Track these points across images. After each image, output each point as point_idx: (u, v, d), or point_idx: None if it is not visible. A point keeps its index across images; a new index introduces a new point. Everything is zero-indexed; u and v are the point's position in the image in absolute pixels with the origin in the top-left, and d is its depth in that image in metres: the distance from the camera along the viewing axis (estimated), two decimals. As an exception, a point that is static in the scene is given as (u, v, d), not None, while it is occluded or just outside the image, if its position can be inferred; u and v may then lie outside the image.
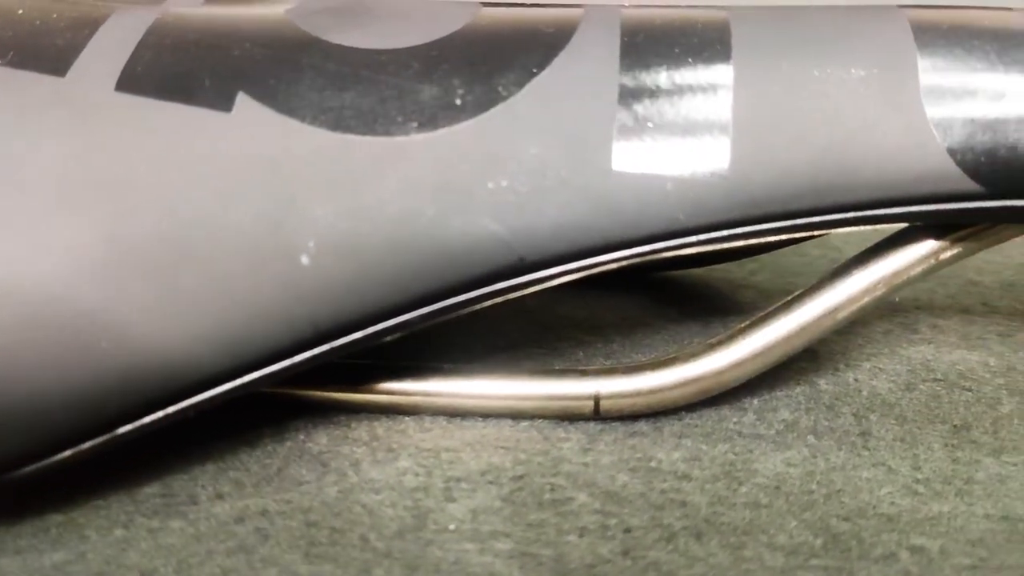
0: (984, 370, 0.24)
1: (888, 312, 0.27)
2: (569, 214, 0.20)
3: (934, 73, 0.20)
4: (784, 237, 0.20)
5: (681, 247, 0.20)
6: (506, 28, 0.21)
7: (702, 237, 0.20)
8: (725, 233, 0.20)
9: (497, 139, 0.20)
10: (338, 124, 0.20)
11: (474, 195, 0.20)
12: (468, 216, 0.20)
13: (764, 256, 0.29)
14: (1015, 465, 0.21)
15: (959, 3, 0.22)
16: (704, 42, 0.21)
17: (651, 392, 0.22)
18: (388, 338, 0.20)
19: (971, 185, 0.20)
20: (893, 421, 0.22)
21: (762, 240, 0.20)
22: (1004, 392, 0.23)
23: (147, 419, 0.19)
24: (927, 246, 0.21)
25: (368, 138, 0.20)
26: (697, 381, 0.22)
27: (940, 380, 0.24)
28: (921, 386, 0.24)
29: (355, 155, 0.20)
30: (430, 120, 0.20)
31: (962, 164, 0.19)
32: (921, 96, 0.20)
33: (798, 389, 0.23)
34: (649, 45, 0.21)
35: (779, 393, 0.23)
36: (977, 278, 0.29)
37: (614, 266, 0.20)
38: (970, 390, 0.23)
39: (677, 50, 0.21)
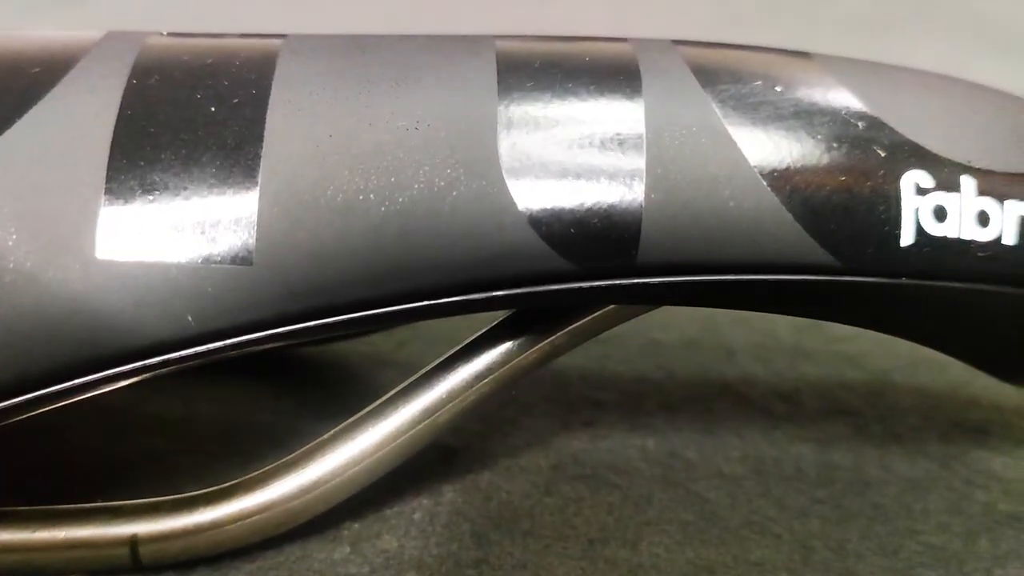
0: (641, 458, 0.21)
1: (551, 386, 0.23)
2: (36, 320, 0.15)
3: (519, 125, 0.16)
4: (341, 333, 0.16)
5: (194, 359, 0.15)
6: (-21, 67, 0.16)
7: (224, 343, 0.15)
8: (255, 336, 0.15)
9: (-68, 223, 0.15)
10: None
11: (-102, 301, 0.14)
12: None
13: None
14: (647, 592, 0.17)
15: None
16: (237, 83, 0.16)
17: (206, 530, 0.17)
18: None
19: (560, 262, 0.16)
20: (518, 540, 0.18)
21: (317, 337, 0.16)
22: (657, 486, 0.20)
23: None
24: (539, 333, 0.18)
25: None
26: (264, 513, 0.17)
27: (588, 476, 0.20)
28: (563, 487, 0.20)
29: None
30: None
31: (548, 238, 0.16)
32: (500, 154, 0.16)
33: (415, 503, 0.19)
34: (162, 89, 0.16)
35: (389, 511, 0.19)
36: (659, 336, 0.26)
37: (106, 389, 0.15)
38: (619, 487, 0.20)
39: (200, 95, 0.16)
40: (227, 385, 0.22)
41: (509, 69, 0.17)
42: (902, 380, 0.24)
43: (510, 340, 0.18)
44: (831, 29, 0.53)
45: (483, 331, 0.18)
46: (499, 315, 0.18)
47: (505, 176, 0.16)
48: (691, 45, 0.18)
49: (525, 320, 0.18)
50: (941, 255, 0.16)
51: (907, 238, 0.16)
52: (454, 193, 0.15)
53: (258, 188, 0.15)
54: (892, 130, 0.16)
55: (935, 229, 0.16)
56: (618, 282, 0.16)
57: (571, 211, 0.16)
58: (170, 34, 0.18)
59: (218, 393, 0.22)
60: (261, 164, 0.15)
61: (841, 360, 0.25)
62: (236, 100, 0.16)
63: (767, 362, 0.25)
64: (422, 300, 0.16)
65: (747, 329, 0.26)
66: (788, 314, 0.17)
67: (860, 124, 0.16)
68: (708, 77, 0.17)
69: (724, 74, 0.17)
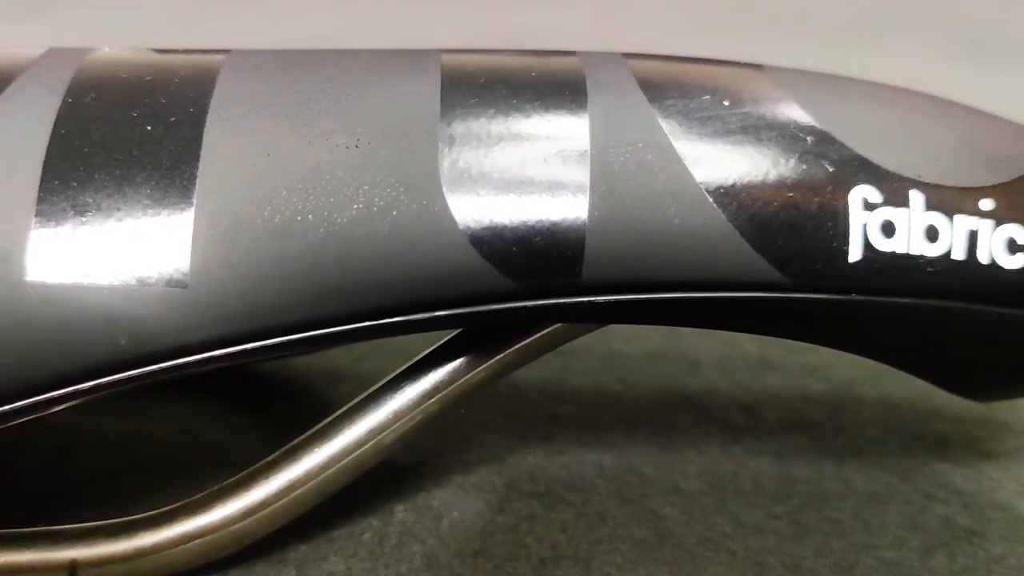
0: (597, 474, 0.21)
1: (509, 400, 0.23)
2: (-33, 346, 0.15)
3: (460, 143, 0.16)
4: (282, 354, 0.16)
5: (129, 382, 0.15)
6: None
7: (159, 367, 0.15)
8: (192, 359, 0.15)
9: None
10: None
11: None
12: None
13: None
14: (597, 615, 0.17)
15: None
16: (175, 101, 0.16)
17: (148, 554, 0.17)
18: None
19: (503, 281, 0.15)
20: (468, 560, 0.18)
21: (258, 359, 0.16)
22: (612, 503, 0.20)
23: None
24: (487, 351, 0.17)
25: None
26: (206, 536, 0.17)
27: (542, 493, 0.20)
28: (516, 504, 0.20)
29: None
30: None
31: (491, 256, 0.15)
32: (441, 172, 0.16)
33: (364, 523, 0.19)
34: (98, 107, 0.16)
35: (338, 532, 0.19)
36: (622, 347, 0.25)
37: (37, 415, 0.15)
38: (574, 505, 0.20)
39: (136, 114, 0.16)
40: (180, 402, 0.22)
41: (453, 85, 0.16)
42: (865, 392, 0.24)
43: (458, 359, 0.17)
44: (809, 34, 0.53)
45: (430, 350, 0.18)
46: (447, 333, 0.18)
47: (446, 194, 0.15)
48: (641, 58, 0.18)
49: (473, 338, 0.17)
50: (890, 271, 0.16)
51: (855, 254, 0.16)
52: (394, 212, 0.15)
53: (193, 209, 0.15)
54: (841, 144, 0.16)
55: (883, 244, 0.16)
56: (563, 301, 0.16)
57: (513, 229, 0.15)
58: (112, 50, 0.17)
59: (171, 410, 0.22)
60: (197, 184, 0.15)
61: (805, 371, 0.25)
62: (173, 119, 0.15)
63: (730, 373, 0.24)
64: (363, 321, 0.15)
65: (711, 340, 0.26)
66: (738, 331, 0.17)
67: (808, 139, 0.16)
68: (655, 92, 0.17)
69: (672, 88, 0.17)
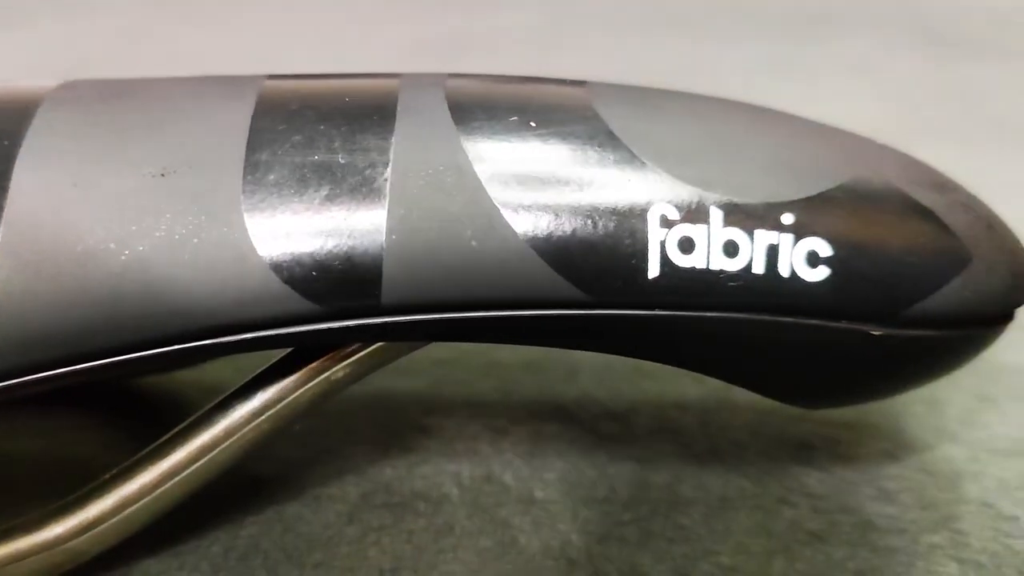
0: (454, 484, 0.21)
1: (380, 411, 0.23)
2: None
3: (263, 170, 0.16)
4: (96, 379, 0.16)
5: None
6: None
7: (-33, 394, 0.16)
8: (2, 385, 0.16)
9: None
10: None
11: None
12: None
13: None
14: (422, 624, 0.18)
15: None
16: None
17: (-15, 574, 0.18)
18: None
19: (305, 305, 0.16)
20: (309, 571, 0.18)
21: (69, 383, 0.16)
22: (464, 513, 0.20)
23: None
24: (316, 369, 0.18)
25: None
26: (42, 553, 0.17)
27: (395, 504, 0.20)
28: (367, 515, 0.20)
29: None
30: None
31: (291, 281, 0.16)
32: (242, 200, 0.16)
33: (213, 536, 0.19)
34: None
35: (185, 547, 0.19)
36: (502, 356, 0.26)
37: None
38: (425, 515, 0.20)
39: (-47, 148, 0.16)
40: (55, 417, 0.23)
41: (266, 112, 0.17)
42: (740, 396, 0.24)
43: (287, 378, 0.18)
44: (757, 28, 0.53)
45: (261, 370, 0.18)
46: (280, 352, 0.18)
47: (247, 222, 0.16)
48: (461, 79, 0.18)
49: (302, 358, 0.18)
50: (690, 286, 0.16)
51: (654, 271, 0.16)
52: (195, 240, 0.16)
53: (2, 239, 0.15)
54: (642, 163, 0.17)
55: (682, 261, 0.16)
56: (366, 322, 0.16)
57: (311, 255, 0.16)
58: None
59: (44, 425, 0.22)
60: (3, 217, 0.16)
61: (683, 377, 0.25)
62: (-4, 149, 0.16)
63: (607, 381, 0.25)
64: (167, 346, 0.16)
65: (594, 347, 0.26)
66: (549, 347, 0.18)
67: (611, 157, 0.17)
68: (463, 114, 0.17)
69: (479, 111, 0.17)
